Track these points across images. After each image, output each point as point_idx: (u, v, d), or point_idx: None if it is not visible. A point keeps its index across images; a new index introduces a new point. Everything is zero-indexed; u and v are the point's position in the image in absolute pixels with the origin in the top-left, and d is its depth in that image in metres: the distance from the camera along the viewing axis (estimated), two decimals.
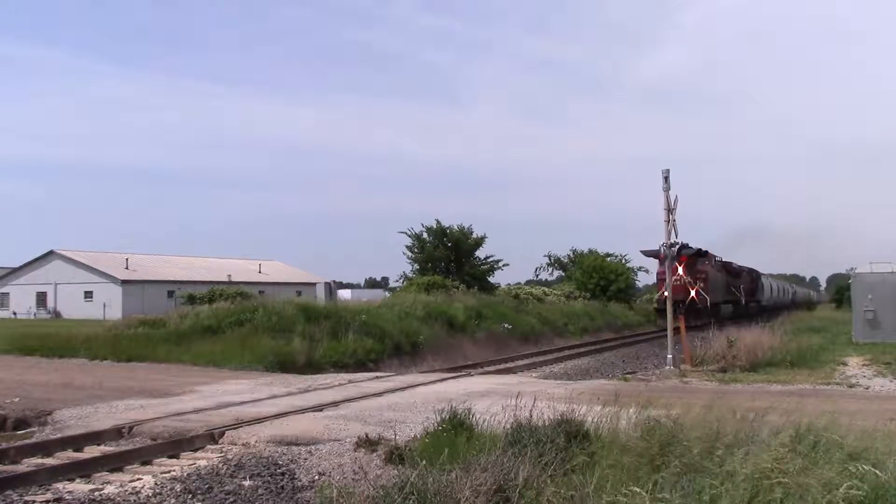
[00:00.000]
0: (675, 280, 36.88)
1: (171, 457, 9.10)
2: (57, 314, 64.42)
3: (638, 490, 5.33)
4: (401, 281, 49.50)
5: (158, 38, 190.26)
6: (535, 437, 6.67)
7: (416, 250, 47.26)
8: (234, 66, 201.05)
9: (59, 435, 10.32)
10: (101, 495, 7.48)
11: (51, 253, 68.75)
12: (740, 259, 54.74)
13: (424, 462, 5.95)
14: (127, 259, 68.06)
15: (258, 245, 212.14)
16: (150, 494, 7.51)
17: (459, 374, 18.35)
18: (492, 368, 21.99)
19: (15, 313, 65.58)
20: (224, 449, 9.41)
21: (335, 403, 12.51)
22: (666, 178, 19.60)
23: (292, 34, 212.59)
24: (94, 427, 10.57)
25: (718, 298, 41.43)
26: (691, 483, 5.60)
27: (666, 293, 35.12)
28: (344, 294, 55.16)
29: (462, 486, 5.14)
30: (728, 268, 47.27)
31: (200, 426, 10.31)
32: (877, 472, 5.90)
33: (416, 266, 47.31)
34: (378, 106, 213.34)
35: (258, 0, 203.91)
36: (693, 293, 36.42)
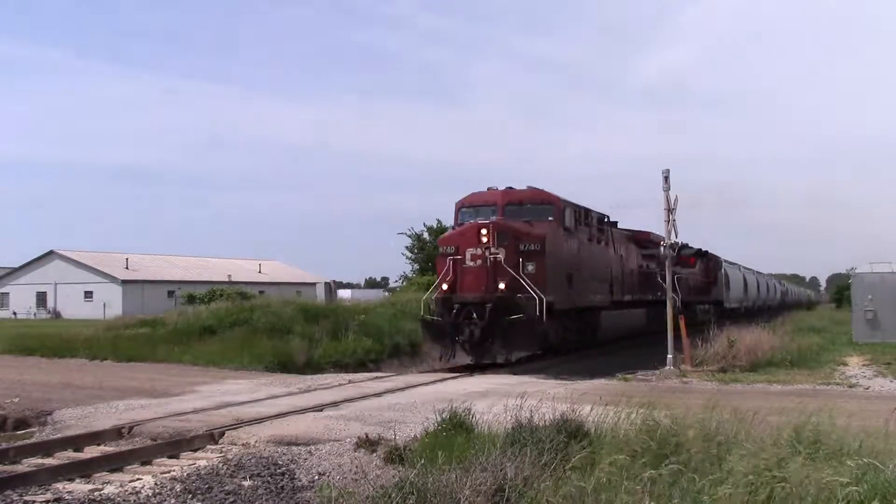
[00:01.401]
0: (473, 257, 19.19)
1: (171, 457, 9.09)
2: (57, 314, 64.46)
3: (637, 489, 5.34)
4: (401, 281, 49.54)
5: (158, 37, 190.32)
6: (535, 436, 6.68)
7: (415, 250, 47.27)
8: (234, 67, 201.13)
9: (59, 435, 10.32)
10: (100, 495, 7.47)
11: (51, 253, 68.82)
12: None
13: (424, 462, 5.96)
14: (127, 259, 68.10)
15: (258, 245, 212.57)
16: (150, 494, 7.50)
17: (459, 374, 18.33)
18: (491, 368, 21.93)
19: (15, 313, 65.62)
20: (224, 449, 9.40)
21: (335, 403, 12.50)
22: (666, 178, 19.56)
23: (292, 34, 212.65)
24: (94, 427, 10.57)
25: (591, 298, 22.61)
26: (691, 482, 5.61)
27: (473, 288, 18.82)
28: (343, 294, 55.19)
29: (462, 485, 5.14)
30: (639, 240, 28.35)
31: (200, 426, 10.31)
32: (876, 471, 5.90)
33: (416, 266, 47.31)
34: (378, 106, 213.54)
35: (258, 0, 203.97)
36: (503, 286, 18.78)
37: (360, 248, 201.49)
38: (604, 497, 5.19)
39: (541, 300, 18.45)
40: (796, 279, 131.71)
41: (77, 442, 9.75)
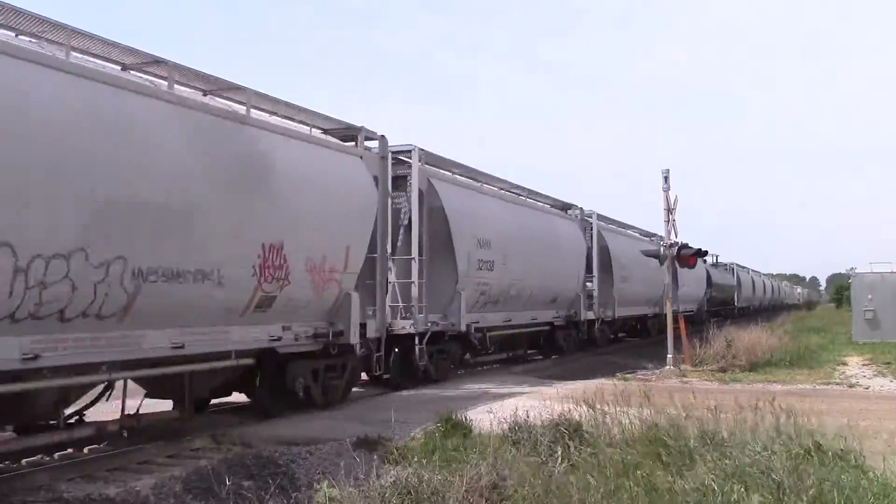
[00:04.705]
0: None
1: (170, 457, 9.11)
2: None
3: (635, 489, 5.36)
4: None
5: (158, 37, 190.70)
6: (532, 436, 6.70)
7: None
8: (234, 67, 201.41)
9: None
10: (101, 495, 7.48)
11: None
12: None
13: (423, 461, 5.99)
14: None
15: None
16: (150, 494, 7.50)
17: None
18: (490, 368, 21.90)
19: None
20: (224, 449, 9.42)
21: None
22: (666, 179, 19.56)
23: (292, 34, 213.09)
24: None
25: None
26: (688, 482, 5.62)
27: None
28: None
29: (458, 485, 5.16)
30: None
31: (201, 425, 10.32)
32: (875, 470, 5.93)
33: None
34: (379, 106, 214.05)
35: (259, 0, 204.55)
36: None
37: None
38: (601, 497, 5.21)
39: None
40: (796, 279, 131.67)
41: (77, 441, 9.72)
